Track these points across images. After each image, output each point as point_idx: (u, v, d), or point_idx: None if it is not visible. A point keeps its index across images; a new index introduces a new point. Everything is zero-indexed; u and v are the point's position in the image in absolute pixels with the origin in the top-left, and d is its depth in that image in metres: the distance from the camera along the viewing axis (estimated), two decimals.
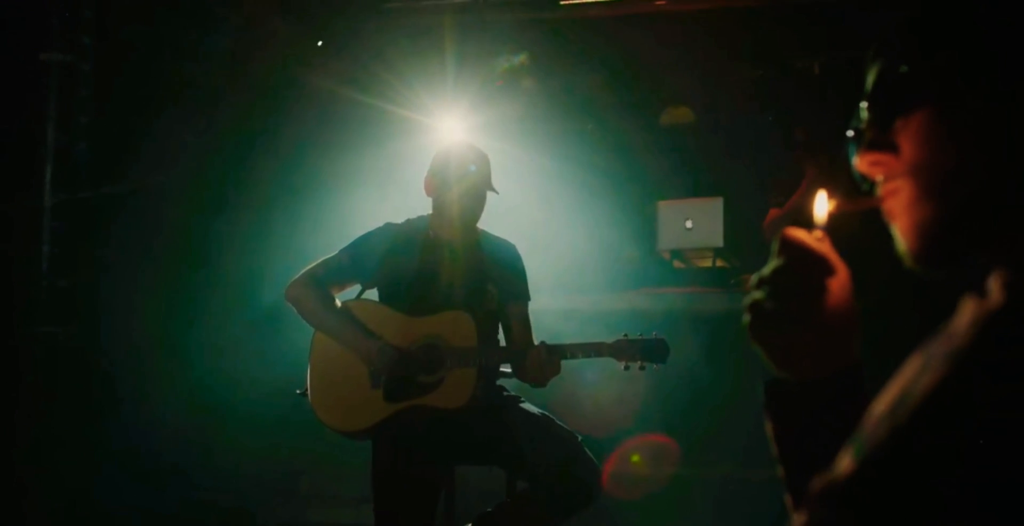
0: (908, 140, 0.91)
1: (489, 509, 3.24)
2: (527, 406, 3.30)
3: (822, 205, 1.02)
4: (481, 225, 3.49)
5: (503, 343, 3.44)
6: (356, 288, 3.45)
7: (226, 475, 4.82)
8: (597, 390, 4.41)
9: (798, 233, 0.98)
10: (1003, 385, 0.63)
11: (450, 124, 5.65)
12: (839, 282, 0.97)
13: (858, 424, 0.73)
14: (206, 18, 5.08)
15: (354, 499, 4.67)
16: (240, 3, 5.30)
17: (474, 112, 5.67)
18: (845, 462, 0.70)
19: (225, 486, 4.82)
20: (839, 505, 0.68)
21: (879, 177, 0.95)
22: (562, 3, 5.87)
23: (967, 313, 0.69)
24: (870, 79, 0.98)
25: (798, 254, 0.96)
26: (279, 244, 4.98)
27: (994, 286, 0.69)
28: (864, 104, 0.98)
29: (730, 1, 5.88)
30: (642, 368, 3.23)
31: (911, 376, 0.68)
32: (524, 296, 3.44)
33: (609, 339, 3.24)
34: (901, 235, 0.92)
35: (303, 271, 3.37)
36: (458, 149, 3.50)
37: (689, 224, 5.60)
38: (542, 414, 3.26)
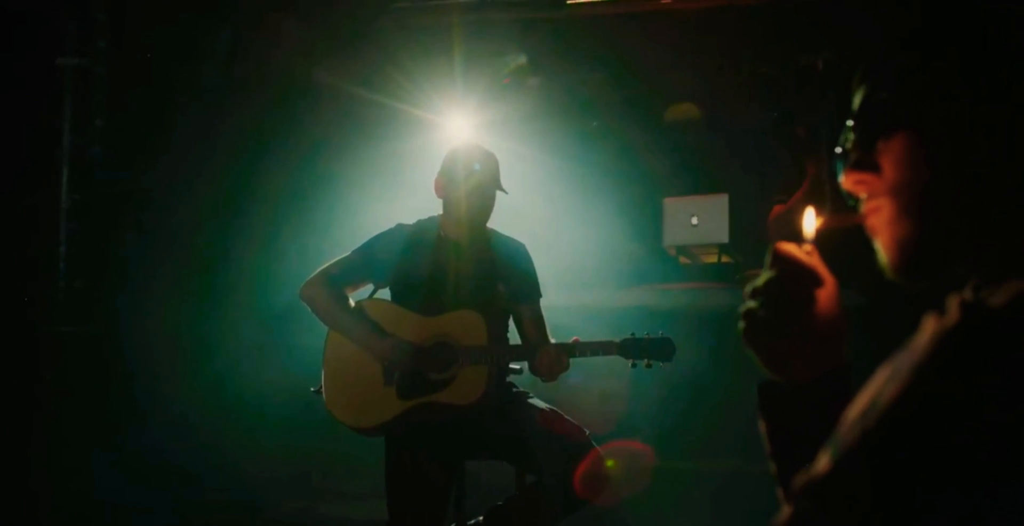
0: (889, 161, 0.98)
1: (499, 503, 3.32)
2: (535, 402, 3.37)
3: (810, 221, 1.09)
4: (490, 223, 3.54)
5: (513, 340, 3.51)
6: (369, 287, 3.51)
7: (240, 472, 4.87)
8: (603, 385, 4.47)
9: (789, 246, 1.05)
10: (954, 397, 0.71)
11: (458, 122, 5.71)
12: (827, 292, 1.05)
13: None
14: (217, 22, 5.14)
15: (366, 494, 4.74)
16: (250, 5, 5.36)
17: (481, 110, 5.73)
18: (823, 460, 0.78)
19: (239, 483, 4.86)
20: (816, 499, 0.77)
21: (863, 195, 1.02)
22: (568, 3, 5.92)
23: (928, 329, 0.77)
24: (856, 100, 1.04)
25: (788, 266, 1.04)
26: (292, 243, 5.04)
27: (952, 305, 0.76)
28: (850, 123, 1.04)
29: None
30: (648, 366, 3.31)
31: (879, 384, 0.76)
32: (535, 294, 3.51)
33: (617, 338, 3.31)
34: (882, 250, 0.99)
35: (317, 271, 3.43)
36: (465, 149, 3.56)
37: (694, 221, 5.65)
38: (550, 409, 3.33)
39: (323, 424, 3.48)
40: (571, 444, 3.20)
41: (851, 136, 1.03)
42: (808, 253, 1.06)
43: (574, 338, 3.34)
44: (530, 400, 3.38)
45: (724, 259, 5.80)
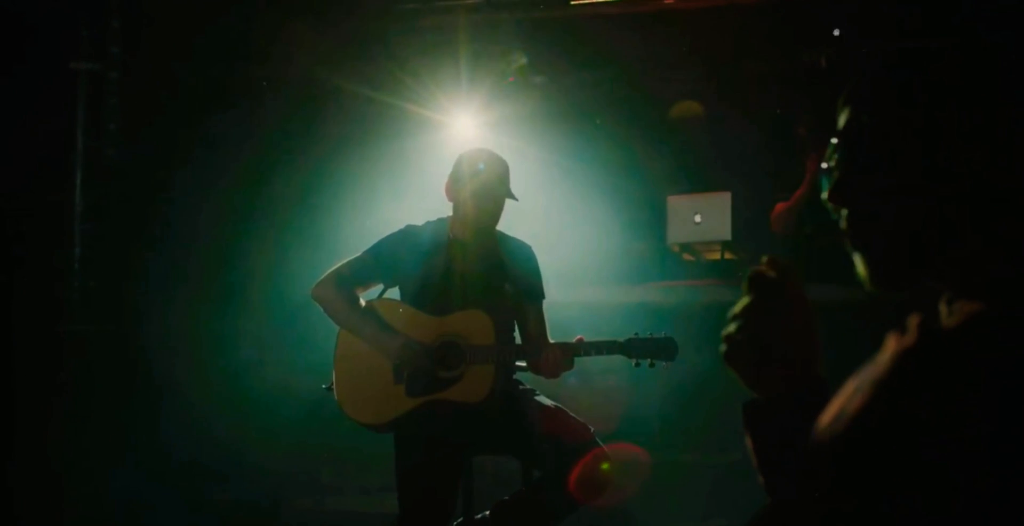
0: (867, 182, 1.05)
1: (506, 497, 3.39)
2: (541, 399, 3.44)
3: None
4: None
5: (519, 339, 3.59)
6: (379, 287, 3.58)
7: (253, 468, 4.92)
8: (606, 381, 4.53)
9: (765, 270, 1.14)
10: (907, 411, 0.81)
11: (463, 121, 5.78)
12: (802, 315, 1.14)
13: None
14: (228, 26, 5.20)
15: (377, 489, 4.81)
16: (260, 8, 5.41)
17: (486, 109, 5.80)
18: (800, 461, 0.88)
19: (252, 478, 4.91)
20: (793, 494, 0.86)
21: (843, 211, 1.09)
22: (572, 3, 5.97)
23: (889, 347, 0.85)
24: (841, 120, 1.11)
25: (765, 293, 1.13)
26: (304, 243, 5.10)
27: (912, 325, 0.85)
28: (834, 141, 1.11)
29: None
30: (651, 365, 3.38)
31: (847, 395, 0.86)
32: (539, 295, 3.58)
33: (620, 338, 3.38)
34: (858, 263, 1.07)
35: (328, 272, 3.49)
36: (473, 152, 3.62)
37: (698, 218, 5.71)
38: (556, 407, 3.40)
39: (335, 420, 3.54)
40: (572, 443, 3.26)
41: (835, 155, 1.10)
42: (784, 271, 1.15)
43: (578, 337, 3.40)
44: (536, 397, 3.45)
45: (727, 256, 5.86)
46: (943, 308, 0.99)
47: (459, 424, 3.36)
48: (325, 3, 5.72)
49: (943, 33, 5.51)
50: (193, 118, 5.11)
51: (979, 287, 0.93)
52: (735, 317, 1.14)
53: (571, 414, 3.38)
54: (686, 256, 6.03)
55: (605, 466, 3.27)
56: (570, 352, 3.35)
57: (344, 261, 3.52)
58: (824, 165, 1.12)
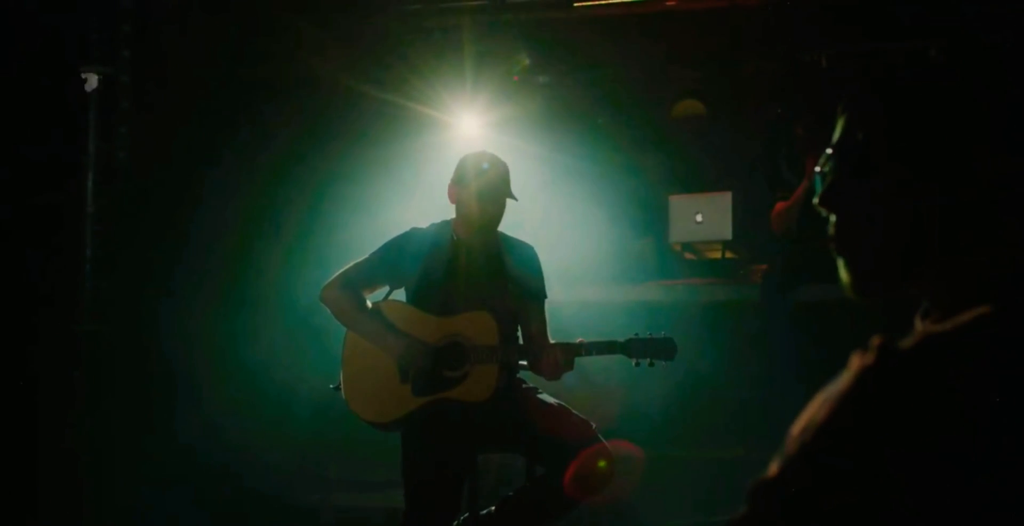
0: (856, 193, 1.09)
1: (510, 493, 3.48)
2: (544, 397, 3.51)
3: None
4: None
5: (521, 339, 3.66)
6: (384, 289, 3.64)
7: (262, 464, 4.97)
8: (609, 380, 4.59)
9: None
10: (863, 425, 0.89)
11: (468, 121, 5.84)
12: None
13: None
14: (237, 29, 5.26)
15: (382, 484, 4.87)
16: (266, 9, 5.46)
17: (491, 109, 5.86)
18: (773, 467, 0.96)
19: (261, 473, 4.96)
20: (766, 498, 0.94)
21: (832, 217, 1.13)
22: (576, 4, 6.03)
23: (853, 365, 0.93)
24: (837, 130, 1.15)
25: None
26: (311, 243, 5.16)
27: (872, 345, 0.93)
28: (829, 151, 1.15)
29: None
30: (651, 365, 3.46)
31: (816, 407, 0.94)
32: (541, 295, 3.64)
33: (620, 338, 3.45)
34: (841, 269, 1.12)
35: (336, 274, 3.56)
36: (475, 154, 3.68)
37: (699, 218, 5.78)
38: (558, 404, 3.47)
39: (342, 419, 3.61)
40: (574, 440, 3.33)
41: (828, 163, 1.14)
42: None
43: (579, 339, 3.47)
44: (539, 395, 3.52)
45: (728, 255, 5.93)
46: (917, 323, 1.06)
47: (464, 422, 3.43)
48: (332, 6, 5.77)
49: (943, 33, 5.58)
50: (202, 120, 5.17)
51: (958, 298, 0.99)
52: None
53: (573, 411, 3.45)
54: (687, 255, 6.10)
55: (606, 463, 3.33)
56: (571, 352, 3.42)
57: (350, 264, 3.58)
58: (817, 170, 1.16)
